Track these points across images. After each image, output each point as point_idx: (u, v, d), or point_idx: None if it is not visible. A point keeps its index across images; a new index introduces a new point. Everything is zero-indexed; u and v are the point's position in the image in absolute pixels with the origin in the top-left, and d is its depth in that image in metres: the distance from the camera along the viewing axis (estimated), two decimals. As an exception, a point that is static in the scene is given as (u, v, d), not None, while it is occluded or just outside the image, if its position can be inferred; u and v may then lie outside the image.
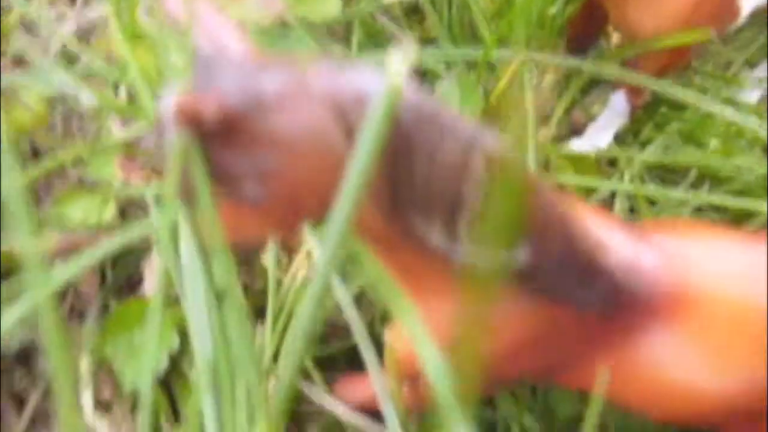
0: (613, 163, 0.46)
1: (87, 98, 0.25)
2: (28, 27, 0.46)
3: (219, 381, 0.27)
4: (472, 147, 0.19)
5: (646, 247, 0.24)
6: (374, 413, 0.34)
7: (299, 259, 0.36)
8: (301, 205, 0.21)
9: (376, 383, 0.28)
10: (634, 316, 0.24)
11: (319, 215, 0.22)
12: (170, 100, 0.16)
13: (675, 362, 0.24)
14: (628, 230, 0.24)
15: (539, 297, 0.23)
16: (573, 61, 0.40)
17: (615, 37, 0.47)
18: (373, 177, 0.17)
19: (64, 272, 0.22)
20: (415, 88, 0.18)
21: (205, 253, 0.31)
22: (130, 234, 0.27)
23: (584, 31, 0.44)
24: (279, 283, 0.36)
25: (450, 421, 0.16)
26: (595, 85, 0.48)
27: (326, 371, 0.35)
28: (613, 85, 0.46)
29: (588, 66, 0.40)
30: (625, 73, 0.40)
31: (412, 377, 0.28)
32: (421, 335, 0.18)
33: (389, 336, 0.27)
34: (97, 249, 0.26)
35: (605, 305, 0.23)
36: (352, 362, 0.34)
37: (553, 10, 0.39)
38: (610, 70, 0.42)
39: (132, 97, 0.36)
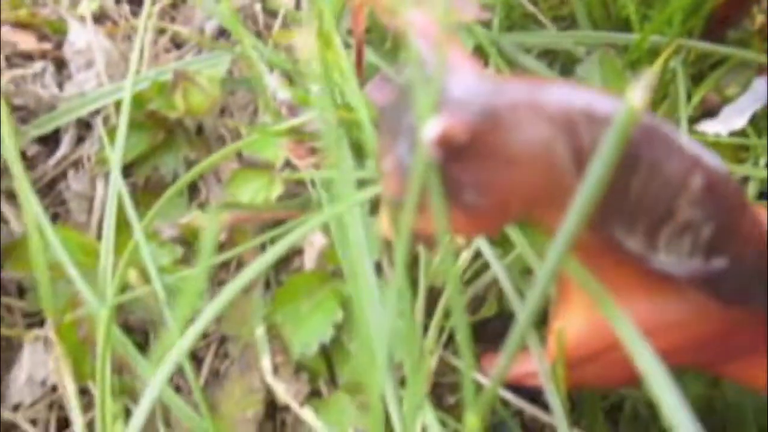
0: (744, 146, 0.46)
1: (282, 94, 0.27)
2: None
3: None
4: (695, 167, 0.20)
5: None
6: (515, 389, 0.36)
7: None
8: (509, 212, 0.22)
9: (537, 365, 0.30)
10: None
11: (519, 220, 0.24)
12: (435, 127, 0.18)
13: None
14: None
15: (720, 300, 0.24)
16: (726, 48, 0.40)
17: (759, 20, 0.45)
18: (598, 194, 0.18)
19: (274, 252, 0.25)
20: (647, 111, 0.19)
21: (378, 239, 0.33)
22: (312, 223, 0.30)
23: (730, 12, 0.43)
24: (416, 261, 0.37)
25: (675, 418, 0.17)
26: (732, 66, 0.47)
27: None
28: (758, 67, 0.44)
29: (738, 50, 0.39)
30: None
31: (570, 365, 0.29)
32: (633, 336, 0.20)
33: (557, 324, 0.28)
34: (287, 232, 0.29)
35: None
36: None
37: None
38: (756, 53, 0.41)
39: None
